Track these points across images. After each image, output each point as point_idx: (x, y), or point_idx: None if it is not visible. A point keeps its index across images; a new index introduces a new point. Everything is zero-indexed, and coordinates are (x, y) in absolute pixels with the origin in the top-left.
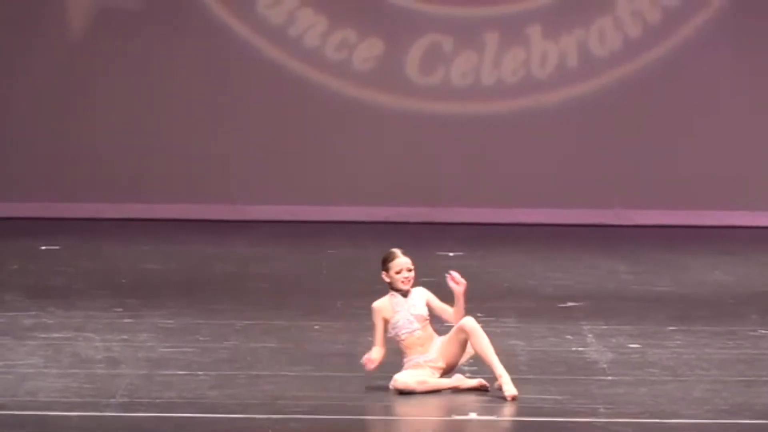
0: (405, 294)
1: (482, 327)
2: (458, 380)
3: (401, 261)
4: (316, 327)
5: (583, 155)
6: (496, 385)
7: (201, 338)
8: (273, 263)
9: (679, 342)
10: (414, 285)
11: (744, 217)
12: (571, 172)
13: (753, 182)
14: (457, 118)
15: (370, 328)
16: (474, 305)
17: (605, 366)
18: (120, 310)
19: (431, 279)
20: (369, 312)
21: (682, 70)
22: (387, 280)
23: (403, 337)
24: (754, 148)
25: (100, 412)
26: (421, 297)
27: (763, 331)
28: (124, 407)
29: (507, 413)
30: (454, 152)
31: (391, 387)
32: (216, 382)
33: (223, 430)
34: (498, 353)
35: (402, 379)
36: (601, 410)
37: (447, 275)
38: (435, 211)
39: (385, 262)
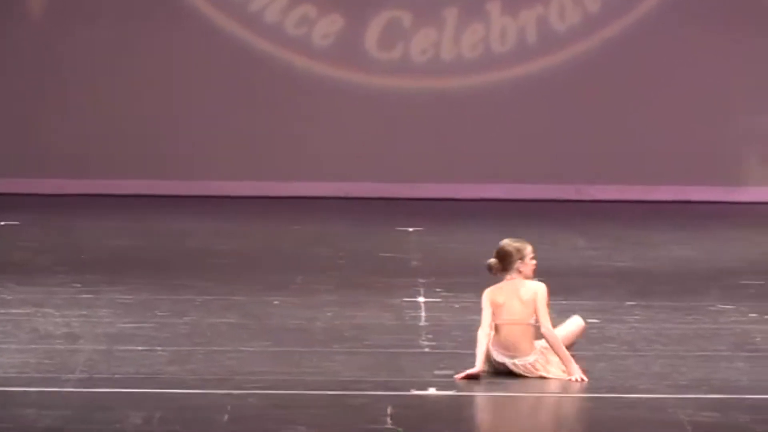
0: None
1: (442, 303)
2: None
3: (531, 248)
4: (275, 302)
5: (543, 131)
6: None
7: (160, 314)
8: (234, 239)
9: (638, 317)
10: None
11: (703, 191)
12: (530, 147)
13: (712, 157)
14: (417, 94)
15: (329, 304)
16: (434, 281)
17: None
18: (79, 285)
19: (391, 254)
20: (327, 287)
21: (641, 45)
22: (521, 270)
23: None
24: (712, 123)
25: (60, 387)
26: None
27: (721, 306)
28: (83, 383)
29: (466, 388)
30: (413, 128)
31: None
32: (175, 357)
33: (182, 405)
34: (458, 328)
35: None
36: (560, 385)
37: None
38: (395, 186)
39: (519, 251)
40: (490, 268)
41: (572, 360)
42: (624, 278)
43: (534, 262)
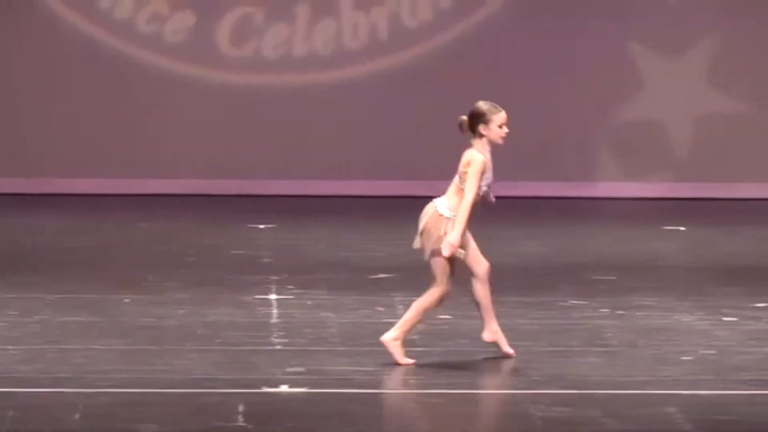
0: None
1: (294, 300)
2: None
3: (503, 114)
4: (126, 300)
5: (396, 127)
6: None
7: (11, 312)
8: (85, 237)
9: None
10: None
11: (554, 187)
12: (384, 143)
13: (562, 153)
14: (269, 90)
15: (181, 302)
16: (286, 277)
17: (416, 337)
18: None
19: (243, 251)
20: (179, 285)
21: (492, 41)
22: (483, 133)
23: (481, 192)
24: (563, 119)
25: None
26: None
27: (573, 302)
28: None
29: (319, 385)
30: (266, 124)
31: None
32: (26, 356)
33: (34, 404)
34: (309, 326)
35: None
36: (413, 381)
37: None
38: (247, 183)
39: (487, 114)
40: (460, 124)
41: (458, 234)
42: None
43: (503, 130)
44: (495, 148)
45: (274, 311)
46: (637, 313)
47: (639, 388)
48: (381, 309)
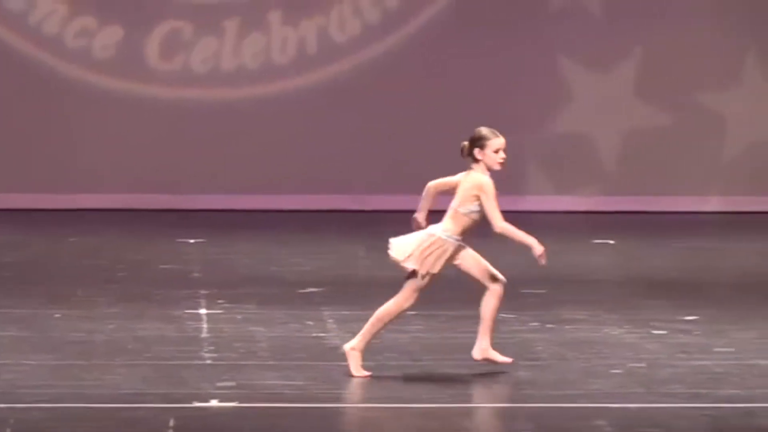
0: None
1: (224, 314)
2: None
3: (500, 140)
4: (56, 315)
5: (324, 141)
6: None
7: None
8: (14, 252)
9: (420, 327)
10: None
11: None
12: (312, 157)
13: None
14: (198, 105)
15: (111, 317)
16: (216, 292)
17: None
18: None
19: (172, 266)
20: (109, 300)
21: (419, 56)
22: (478, 158)
23: (476, 218)
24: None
25: None
26: None
27: (502, 315)
28: None
29: (249, 399)
30: (195, 138)
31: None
32: None
33: None
34: (239, 340)
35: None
36: (344, 395)
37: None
38: (176, 198)
39: (481, 139)
40: (461, 149)
41: (529, 237)
42: None
43: (499, 156)
44: (421, 161)
45: (204, 326)
46: (567, 327)
47: (568, 401)
48: (310, 323)
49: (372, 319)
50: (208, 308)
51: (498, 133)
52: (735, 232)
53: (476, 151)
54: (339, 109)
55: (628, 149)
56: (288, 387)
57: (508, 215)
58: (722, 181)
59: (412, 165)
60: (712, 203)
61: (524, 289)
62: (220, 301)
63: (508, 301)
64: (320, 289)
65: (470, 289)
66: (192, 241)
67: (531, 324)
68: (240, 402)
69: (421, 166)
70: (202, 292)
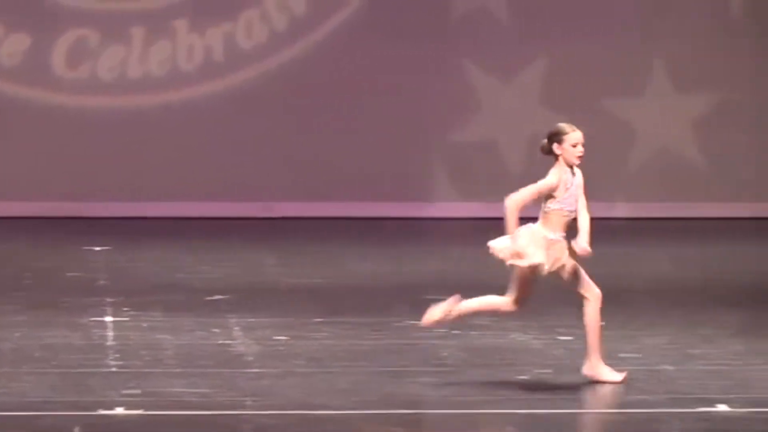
0: (573, 172)
1: (130, 322)
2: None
3: (578, 134)
4: None
5: (231, 148)
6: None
7: None
8: None
9: (326, 333)
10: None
11: (392, 207)
12: (219, 164)
13: (401, 173)
14: (105, 112)
15: (17, 325)
16: (122, 299)
17: (251, 358)
18: None
19: (78, 274)
20: (15, 307)
21: (330, 61)
22: (557, 152)
23: (566, 214)
24: (402, 139)
25: None
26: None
27: (409, 322)
28: None
29: (155, 407)
30: (101, 146)
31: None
32: None
33: None
34: (146, 347)
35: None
36: (248, 403)
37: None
38: (82, 205)
39: (558, 134)
40: (541, 147)
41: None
42: (313, 295)
43: (577, 150)
44: (330, 167)
45: (110, 333)
46: (473, 333)
47: (475, 407)
48: (217, 330)
49: (482, 302)
50: (114, 316)
51: (575, 127)
52: (643, 238)
53: (555, 146)
54: (246, 116)
55: (533, 156)
56: (194, 394)
57: (415, 222)
58: (629, 187)
59: (319, 172)
60: (619, 209)
61: (430, 295)
62: (126, 309)
63: (414, 306)
64: (227, 297)
65: (371, 296)
66: (98, 248)
67: (436, 330)
68: (146, 410)
69: (329, 173)
70: (108, 299)
